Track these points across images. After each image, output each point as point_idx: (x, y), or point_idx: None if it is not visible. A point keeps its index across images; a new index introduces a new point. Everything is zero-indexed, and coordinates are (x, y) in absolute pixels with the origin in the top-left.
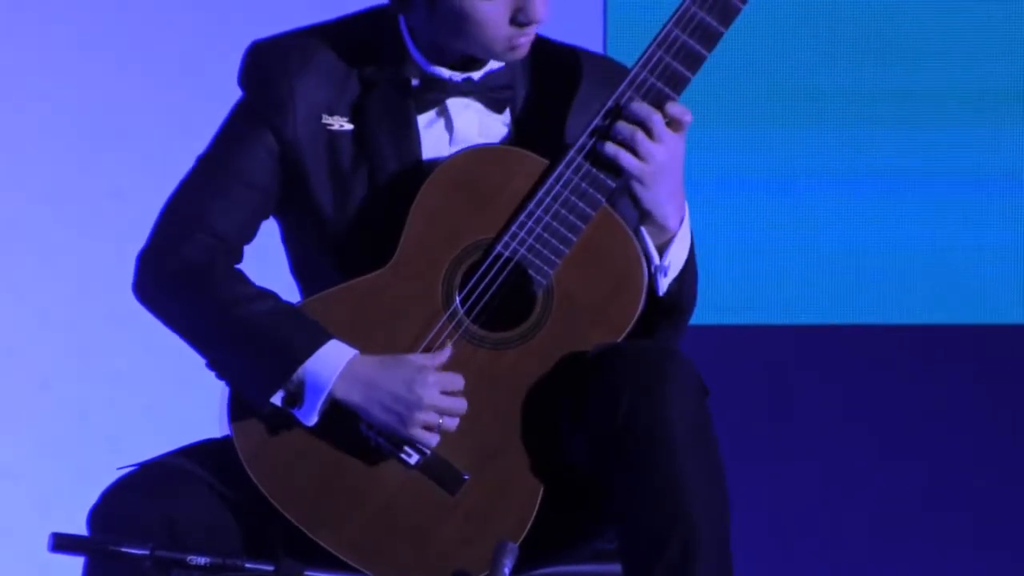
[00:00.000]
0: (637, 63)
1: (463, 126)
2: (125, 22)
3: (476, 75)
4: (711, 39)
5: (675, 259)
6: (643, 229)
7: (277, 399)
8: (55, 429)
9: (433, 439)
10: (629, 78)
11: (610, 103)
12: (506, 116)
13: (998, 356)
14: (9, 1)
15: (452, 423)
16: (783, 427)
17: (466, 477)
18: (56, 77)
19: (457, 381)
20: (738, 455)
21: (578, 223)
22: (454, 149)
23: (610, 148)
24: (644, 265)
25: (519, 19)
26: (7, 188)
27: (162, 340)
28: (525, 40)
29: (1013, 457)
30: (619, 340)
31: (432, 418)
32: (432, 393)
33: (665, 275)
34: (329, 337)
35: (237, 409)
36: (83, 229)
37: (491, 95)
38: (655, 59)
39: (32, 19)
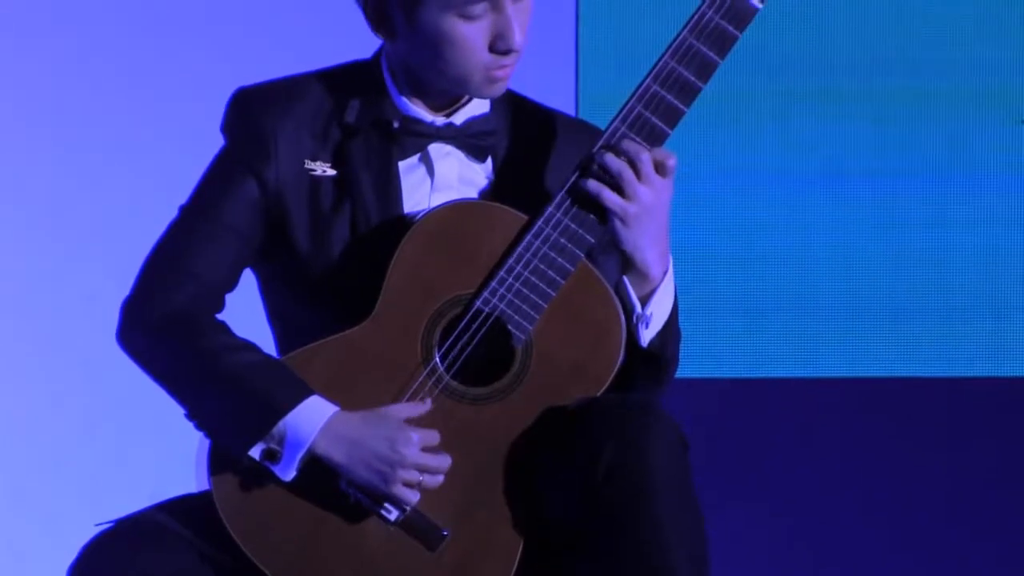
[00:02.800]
0: (614, 119)
1: (443, 173)
2: (128, 23)
3: (458, 120)
4: (689, 94)
5: (658, 310)
6: (625, 278)
7: (256, 452)
8: (63, 445)
9: (414, 497)
10: (610, 129)
11: (588, 156)
12: (487, 165)
13: (976, 409)
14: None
15: (433, 481)
16: (771, 481)
17: (445, 533)
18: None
19: (435, 439)
20: (725, 507)
21: (557, 278)
22: (435, 195)
23: (593, 185)
24: (623, 321)
25: (498, 46)
26: (18, 198)
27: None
28: (503, 73)
29: (985, 511)
30: (598, 394)
31: (414, 476)
32: (415, 452)
33: (647, 326)
34: (311, 392)
35: (217, 465)
36: (93, 241)
37: (472, 142)
38: (633, 113)
39: (36, 22)
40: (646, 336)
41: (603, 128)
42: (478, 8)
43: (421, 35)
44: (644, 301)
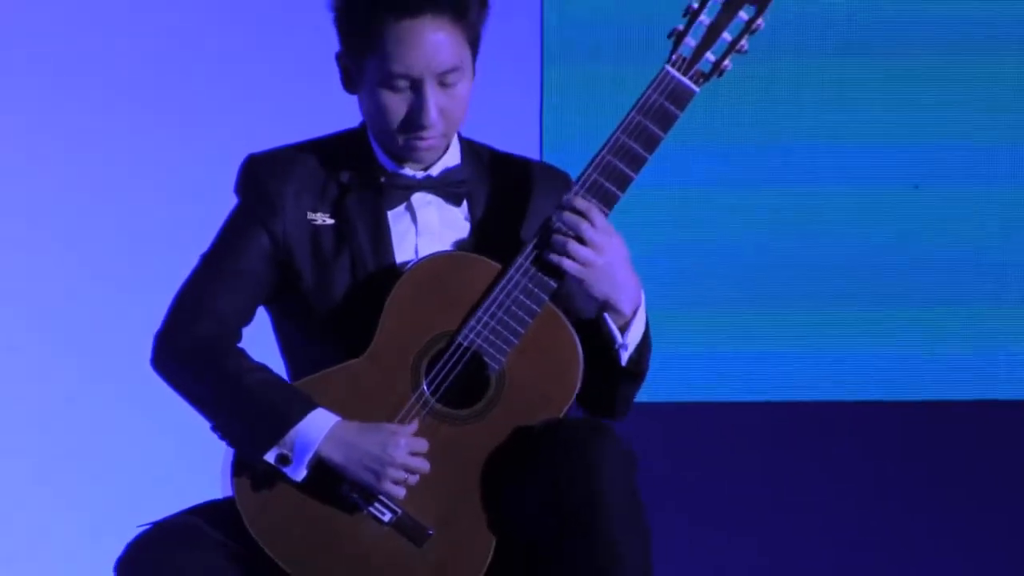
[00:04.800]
0: (575, 185)
1: (426, 219)
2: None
3: (434, 172)
4: (638, 163)
5: (633, 337)
6: (604, 315)
7: (271, 456)
8: (83, 442)
9: (401, 492)
10: (565, 199)
11: (550, 217)
12: (463, 208)
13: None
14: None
15: (416, 479)
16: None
17: (431, 532)
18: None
19: (423, 445)
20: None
21: (526, 318)
22: (420, 238)
23: (554, 258)
24: (581, 354)
25: (411, 119)
26: (39, 203)
27: None
28: (422, 144)
29: (950, 531)
30: (560, 416)
31: (401, 475)
32: (402, 454)
33: (627, 350)
34: (316, 406)
35: (239, 475)
36: (131, 247)
37: (448, 190)
38: (591, 180)
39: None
40: (625, 357)
41: (565, 172)
42: (401, 83)
43: (365, 97)
44: (623, 329)
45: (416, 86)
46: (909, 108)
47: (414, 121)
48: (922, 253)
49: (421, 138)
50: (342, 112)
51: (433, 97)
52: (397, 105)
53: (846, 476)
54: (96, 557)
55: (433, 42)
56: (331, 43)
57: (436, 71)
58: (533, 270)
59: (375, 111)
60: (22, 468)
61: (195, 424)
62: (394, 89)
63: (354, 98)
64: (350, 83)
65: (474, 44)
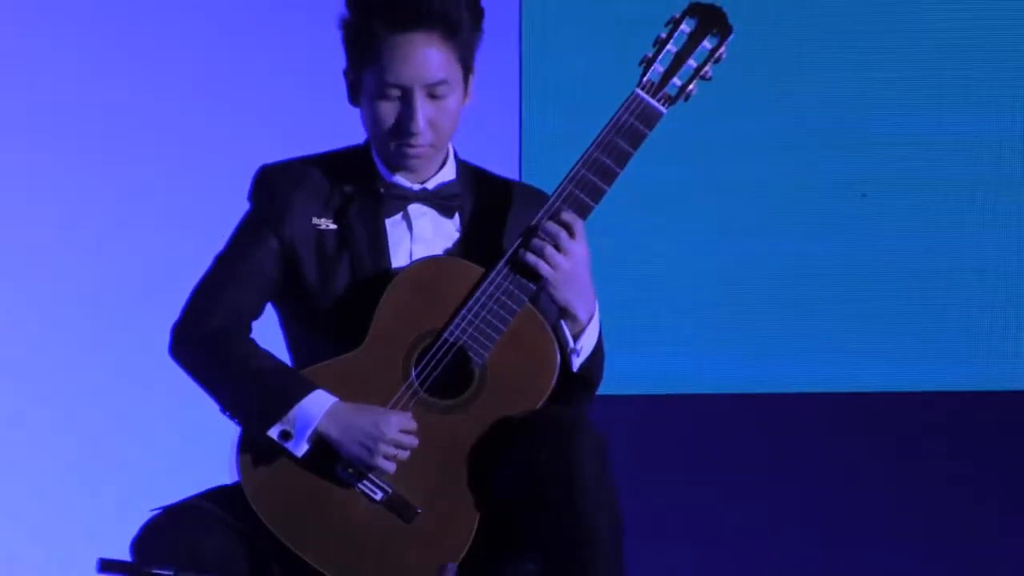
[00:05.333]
0: (553, 197)
1: (420, 228)
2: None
3: (430, 186)
4: (610, 176)
5: (586, 344)
6: (562, 322)
7: (275, 432)
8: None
9: (391, 467)
10: (547, 205)
11: (529, 227)
12: (455, 220)
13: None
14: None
15: (405, 455)
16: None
17: (419, 510)
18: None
19: (412, 424)
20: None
21: (507, 317)
22: (415, 245)
23: (530, 258)
24: (557, 351)
25: (400, 127)
26: (64, 206)
27: None
28: (411, 152)
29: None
30: (537, 407)
31: (391, 450)
32: (393, 431)
33: (579, 356)
34: (317, 387)
35: (244, 458)
36: (152, 241)
37: (442, 203)
38: (567, 192)
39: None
40: (577, 363)
41: (545, 192)
42: (393, 92)
43: (364, 107)
44: (576, 337)
45: (406, 96)
46: (853, 118)
47: (403, 128)
48: (872, 257)
49: (410, 145)
50: (349, 126)
51: (422, 107)
52: (389, 113)
53: (824, 466)
54: (115, 538)
55: (423, 55)
56: (340, 60)
57: (425, 82)
58: (513, 274)
59: (371, 119)
60: (50, 459)
61: (203, 418)
62: (387, 98)
63: (356, 112)
64: (354, 96)
65: (466, 63)
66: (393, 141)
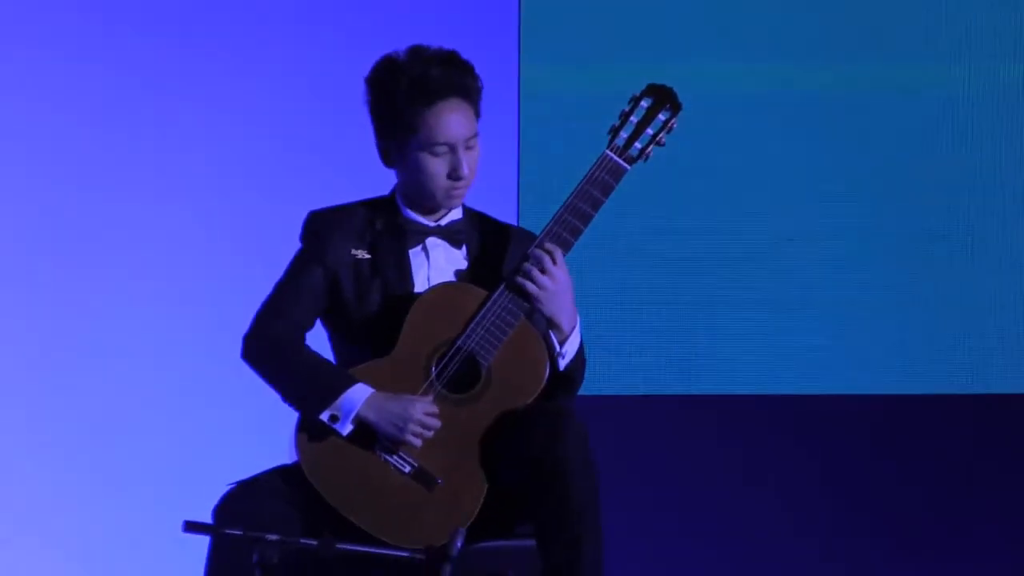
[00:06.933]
0: (541, 234)
1: (436, 257)
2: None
3: (443, 223)
4: (585, 219)
5: (570, 349)
6: (550, 332)
7: (325, 416)
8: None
9: (418, 443)
10: (537, 240)
11: (522, 256)
12: (463, 251)
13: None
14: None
15: (429, 434)
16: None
17: (439, 482)
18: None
19: (435, 409)
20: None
21: (507, 328)
22: (432, 271)
23: (522, 281)
24: (547, 357)
25: (452, 176)
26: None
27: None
28: (456, 192)
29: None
30: (532, 401)
31: (418, 429)
32: (419, 414)
33: (564, 359)
34: (358, 380)
35: (301, 439)
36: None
37: (452, 236)
38: (552, 231)
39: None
40: (563, 364)
41: (535, 232)
42: (440, 150)
43: (408, 165)
44: (561, 343)
45: (453, 151)
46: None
47: (453, 176)
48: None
49: (457, 188)
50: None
51: (464, 158)
52: (440, 167)
53: (803, 465)
54: (198, 507)
55: (458, 117)
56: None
57: (463, 138)
58: (510, 295)
59: (422, 173)
60: (147, 443)
61: (266, 414)
62: (435, 155)
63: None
64: (389, 160)
65: (478, 116)
66: (443, 188)
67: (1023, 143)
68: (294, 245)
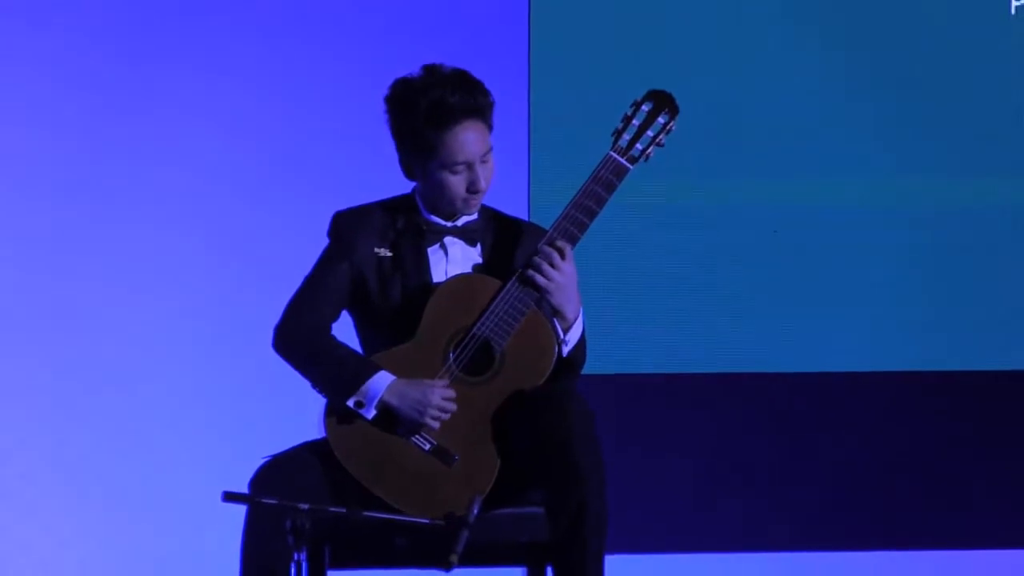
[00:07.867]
0: (551, 229)
1: (453, 254)
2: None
3: (460, 223)
4: (591, 215)
5: (573, 337)
6: (554, 319)
7: (351, 402)
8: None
9: (436, 425)
10: (546, 235)
11: (532, 251)
12: (478, 248)
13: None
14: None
15: (446, 416)
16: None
17: (456, 458)
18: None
19: (452, 394)
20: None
21: (518, 316)
22: (449, 266)
23: (531, 273)
24: (555, 342)
25: (470, 188)
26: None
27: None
28: (475, 201)
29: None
30: (541, 383)
31: (436, 412)
32: (437, 398)
33: (568, 345)
34: (382, 368)
35: (330, 422)
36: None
37: (467, 235)
38: (560, 227)
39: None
40: (567, 351)
41: (544, 227)
42: (459, 168)
43: (429, 181)
44: (565, 331)
45: (471, 167)
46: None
47: (472, 189)
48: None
49: (475, 199)
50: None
51: (481, 172)
52: (459, 182)
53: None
54: (235, 478)
55: (474, 137)
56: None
57: (479, 154)
58: (521, 286)
59: (444, 188)
60: (192, 428)
61: (296, 392)
62: (455, 172)
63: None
64: (411, 174)
65: (491, 130)
66: (461, 200)
67: None
68: (303, 245)
